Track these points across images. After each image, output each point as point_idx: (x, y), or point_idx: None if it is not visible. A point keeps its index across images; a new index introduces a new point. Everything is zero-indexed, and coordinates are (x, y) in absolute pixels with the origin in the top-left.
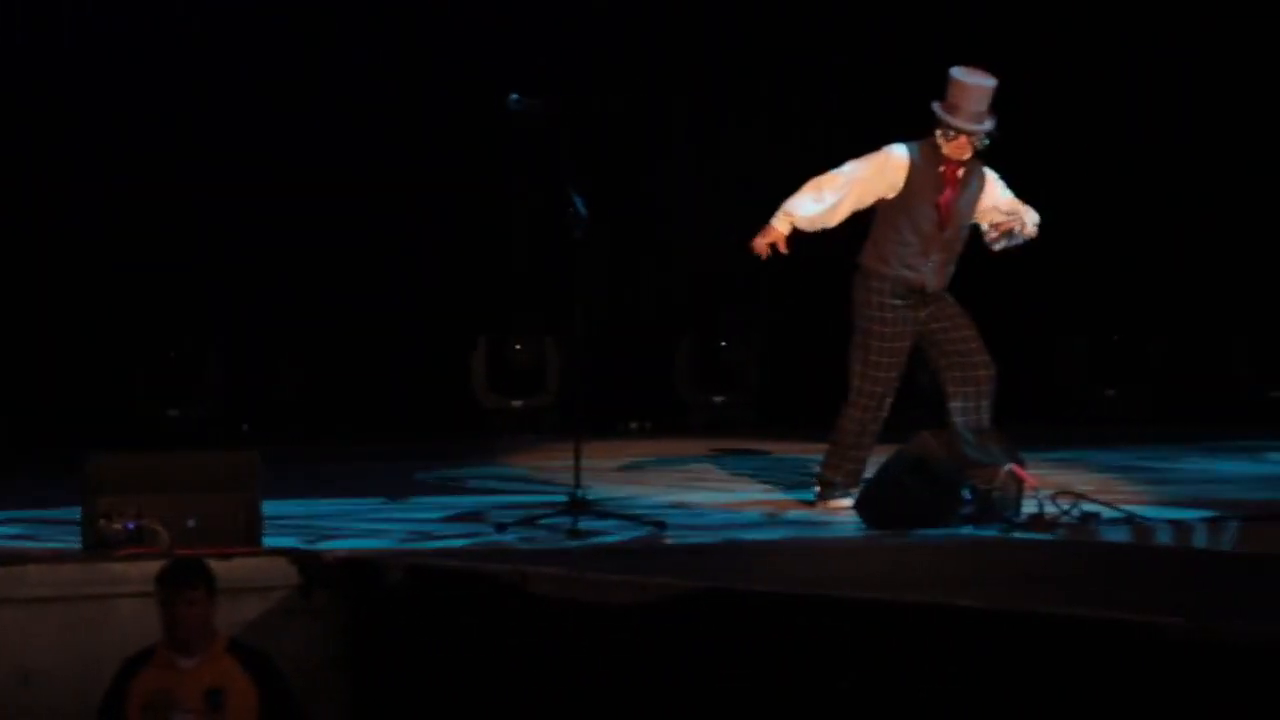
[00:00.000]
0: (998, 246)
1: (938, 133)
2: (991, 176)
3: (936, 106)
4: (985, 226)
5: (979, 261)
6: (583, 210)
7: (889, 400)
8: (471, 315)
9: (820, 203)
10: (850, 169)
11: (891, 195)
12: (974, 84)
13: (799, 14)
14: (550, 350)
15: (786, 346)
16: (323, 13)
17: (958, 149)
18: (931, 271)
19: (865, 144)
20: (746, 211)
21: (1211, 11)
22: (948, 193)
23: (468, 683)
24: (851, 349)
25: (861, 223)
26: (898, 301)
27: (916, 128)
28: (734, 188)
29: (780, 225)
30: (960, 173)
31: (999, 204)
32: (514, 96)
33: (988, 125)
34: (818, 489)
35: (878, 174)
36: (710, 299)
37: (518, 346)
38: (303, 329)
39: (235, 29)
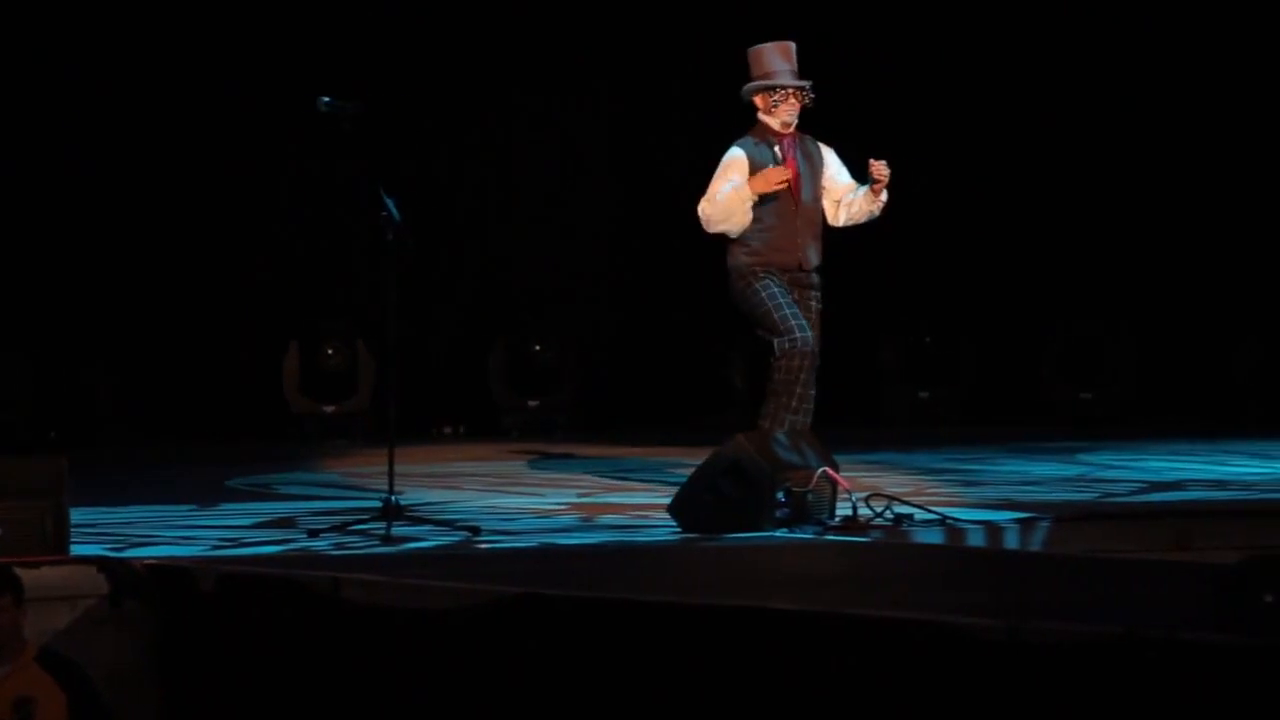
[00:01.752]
0: (842, 222)
1: (760, 111)
2: (828, 150)
3: (751, 85)
4: (827, 204)
5: None
6: (395, 213)
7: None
8: (283, 319)
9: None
10: (726, 185)
11: None
12: (775, 45)
13: (605, 22)
14: (362, 354)
15: (601, 350)
16: (139, 8)
17: (788, 111)
18: (804, 248)
19: (691, 149)
20: (559, 216)
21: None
22: (790, 164)
23: (281, 691)
24: (754, 320)
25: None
26: (771, 274)
27: (727, 131)
28: (548, 193)
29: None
30: (795, 142)
31: (838, 188)
32: (325, 99)
33: (806, 83)
34: None
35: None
36: (523, 303)
37: (329, 351)
38: (112, 333)
39: (37, 19)
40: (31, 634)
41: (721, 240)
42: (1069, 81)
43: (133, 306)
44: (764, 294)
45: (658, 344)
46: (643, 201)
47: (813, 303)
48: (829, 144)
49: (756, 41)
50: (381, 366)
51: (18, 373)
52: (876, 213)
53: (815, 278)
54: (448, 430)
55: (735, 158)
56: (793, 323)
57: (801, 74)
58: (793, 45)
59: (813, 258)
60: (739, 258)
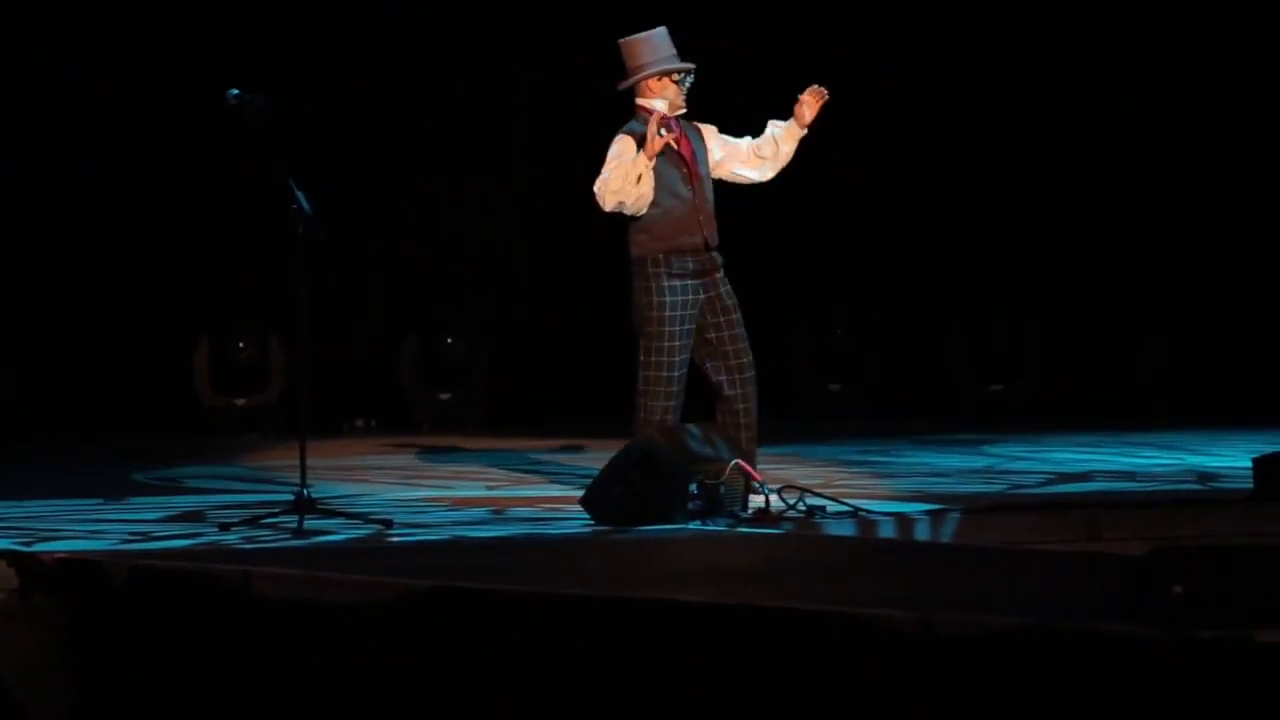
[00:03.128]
0: (770, 173)
1: (644, 96)
2: (707, 126)
3: (647, 71)
4: (750, 171)
5: None
6: (306, 206)
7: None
8: (193, 313)
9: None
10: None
11: None
12: (659, 30)
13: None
14: (273, 348)
15: (512, 342)
16: (41, 3)
17: (678, 93)
18: (706, 226)
19: (607, 137)
20: (470, 206)
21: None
22: (684, 144)
23: (192, 686)
24: (640, 333)
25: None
26: (677, 283)
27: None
28: (459, 183)
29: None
30: (680, 125)
31: (740, 150)
32: (233, 92)
33: (693, 65)
34: None
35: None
36: (434, 295)
37: (240, 344)
38: (18, 326)
39: None
40: None
41: (623, 229)
42: (982, 75)
43: (42, 300)
44: (657, 329)
45: (569, 336)
46: (554, 191)
47: (725, 296)
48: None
49: (691, 29)
50: (293, 360)
51: None
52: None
53: (719, 257)
54: (359, 424)
55: (628, 142)
56: (662, 402)
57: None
58: (664, 28)
59: (714, 236)
60: (644, 246)
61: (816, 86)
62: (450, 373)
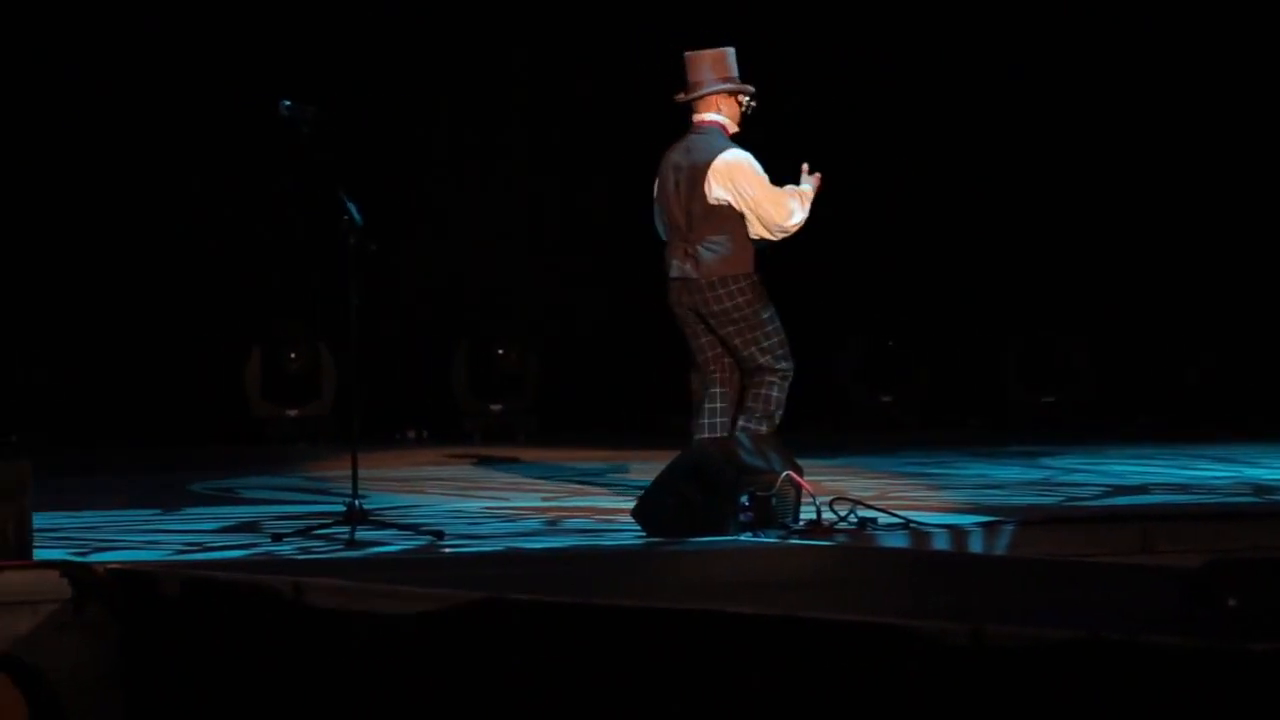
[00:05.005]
0: None
1: (717, 112)
2: None
3: (703, 89)
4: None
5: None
6: (358, 217)
7: None
8: (245, 323)
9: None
10: (765, 178)
11: None
12: (721, 49)
13: (575, 22)
14: (325, 358)
15: (563, 353)
16: (98, 14)
17: (739, 115)
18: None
19: (626, 157)
20: (522, 218)
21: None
22: None
23: (244, 697)
24: (750, 338)
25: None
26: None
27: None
28: (511, 195)
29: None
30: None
31: None
32: (286, 103)
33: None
34: None
35: None
36: (486, 306)
37: (292, 355)
38: (75, 337)
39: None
40: None
41: (710, 241)
42: (1030, 88)
43: (97, 311)
44: (772, 315)
45: (621, 347)
46: (608, 204)
47: None
48: (790, 153)
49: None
50: (344, 370)
51: None
52: None
53: None
54: (411, 434)
55: (757, 167)
56: (786, 348)
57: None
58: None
59: None
60: (749, 263)
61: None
62: (502, 383)
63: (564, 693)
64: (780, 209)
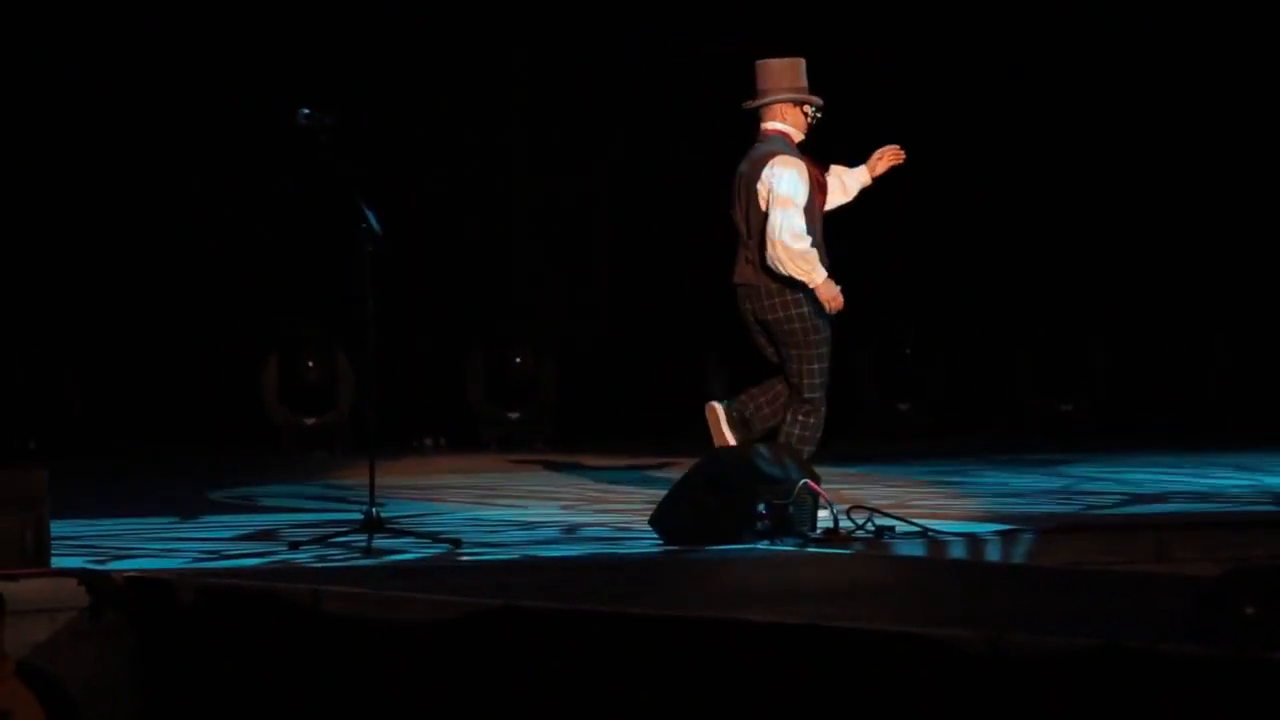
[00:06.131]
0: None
1: (784, 121)
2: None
3: (771, 96)
4: None
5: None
6: (375, 225)
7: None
8: (262, 331)
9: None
10: (804, 227)
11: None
12: (792, 59)
13: (590, 30)
14: (343, 366)
15: (580, 361)
16: (120, 21)
17: (805, 125)
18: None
19: (654, 161)
20: (537, 225)
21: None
22: (816, 173)
23: (261, 705)
24: (796, 359)
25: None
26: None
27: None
28: (527, 202)
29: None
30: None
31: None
32: (304, 111)
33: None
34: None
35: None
36: (502, 313)
37: (310, 363)
38: (93, 345)
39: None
40: (10, 647)
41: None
42: (1044, 96)
43: (112, 317)
44: (824, 339)
45: (638, 354)
46: (624, 210)
47: None
48: (810, 153)
49: (757, 56)
50: (361, 378)
51: None
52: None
53: None
54: (428, 442)
55: (798, 181)
56: (823, 384)
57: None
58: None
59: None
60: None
61: (897, 147)
62: (519, 391)
63: (581, 701)
64: (791, 225)
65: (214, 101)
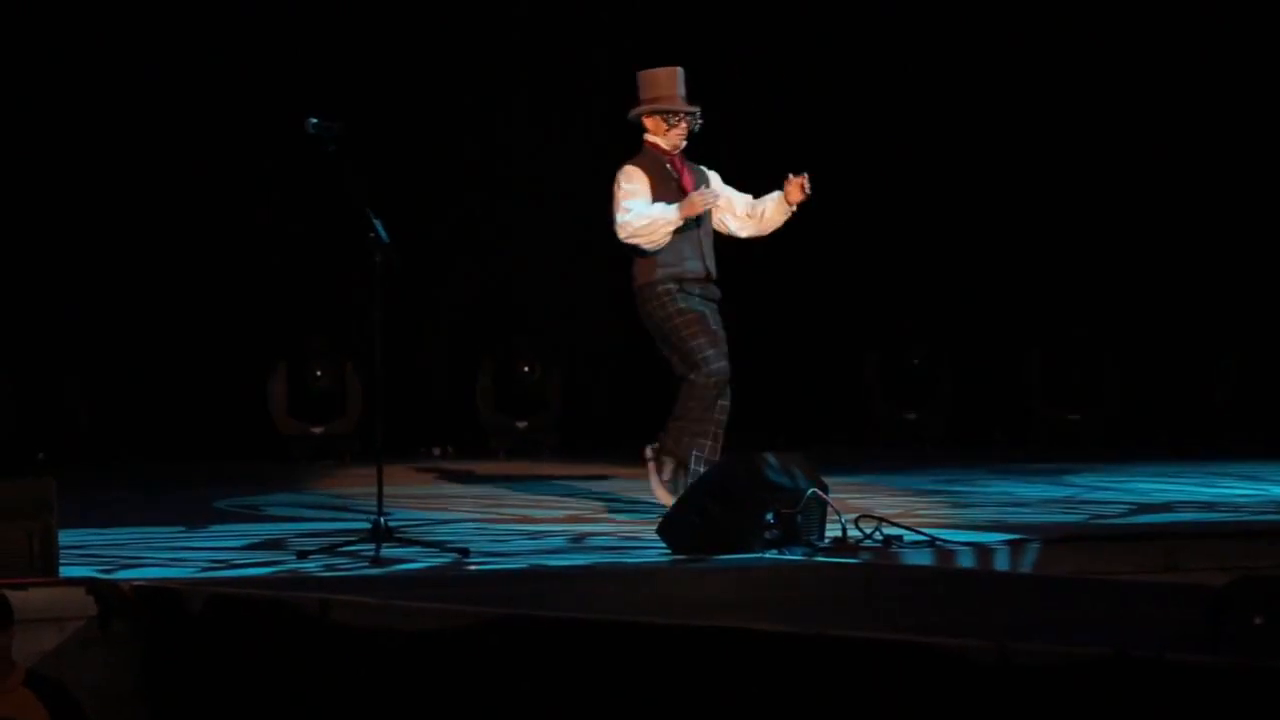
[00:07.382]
0: (748, 233)
1: (649, 133)
2: (711, 173)
3: (643, 108)
4: (734, 224)
5: (777, 280)
6: (383, 234)
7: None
8: (270, 340)
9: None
10: (636, 204)
11: None
12: (669, 70)
13: (596, 39)
14: (350, 376)
15: (588, 370)
16: (125, 29)
17: (677, 136)
18: (708, 258)
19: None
20: (546, 234)
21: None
22: (686, 179)
23: (270, 714)
24: (678, 349)
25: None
26: (689, 298)
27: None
28: (535, 212)
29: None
30: (683, 162)
31: (735, 203)
32: (313, 120)
33: (696, 108)
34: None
35: (646, 193)
36: (510, 322)
37: (318, 372)
38: (101, 354)
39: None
40: (19, 656)
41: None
42: (1052, 103)
43: (120, 327)
44: (687, 323)
45: (645, 364)
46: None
47: (721, 329)
48: (822, 160)
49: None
50: (369, 388)
51: (2, 393)
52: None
53: (717, 290)
54: (436, 451)
55: (631, 171)
56: (709, 351)
57: (692, 99)
58: (681, 70)
59: (714, 267)
60: (646, 276)
61: (804, 178)
62: (526, 399)
63: (589, 711)
64: (621, 216)
65: (222, 112)
